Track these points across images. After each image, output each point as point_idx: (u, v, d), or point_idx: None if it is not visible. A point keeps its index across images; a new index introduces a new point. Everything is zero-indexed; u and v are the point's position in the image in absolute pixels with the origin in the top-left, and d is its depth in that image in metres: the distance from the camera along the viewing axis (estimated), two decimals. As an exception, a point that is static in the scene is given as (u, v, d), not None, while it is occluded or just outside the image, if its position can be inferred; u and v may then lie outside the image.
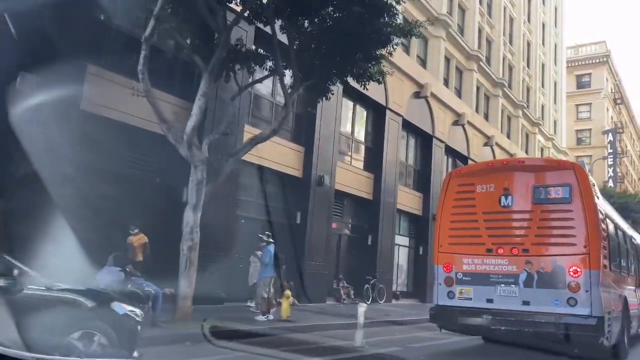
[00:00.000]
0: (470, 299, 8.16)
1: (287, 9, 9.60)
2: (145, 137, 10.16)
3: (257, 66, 11.10)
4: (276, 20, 10.28)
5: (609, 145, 54.25)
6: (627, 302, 10.00)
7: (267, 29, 10.43)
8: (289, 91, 10.35)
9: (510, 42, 33.82)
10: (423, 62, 23.58)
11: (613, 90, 62.82)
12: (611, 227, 9.50)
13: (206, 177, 9.54)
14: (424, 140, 23.17)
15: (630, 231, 13.57)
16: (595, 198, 8.21)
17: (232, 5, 9.86)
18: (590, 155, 53.85)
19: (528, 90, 36.76)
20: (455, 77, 26.47)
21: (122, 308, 4.95)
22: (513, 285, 7.87)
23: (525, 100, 35.25)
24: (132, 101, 9.36)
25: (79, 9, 9.25)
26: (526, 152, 34.87)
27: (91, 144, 9.38)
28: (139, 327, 5.12)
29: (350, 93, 18.21)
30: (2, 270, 3.94)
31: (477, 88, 28.60)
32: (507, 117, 32.98)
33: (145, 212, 10.17)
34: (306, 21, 10.19)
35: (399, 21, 10.61)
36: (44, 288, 4.37)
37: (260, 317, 10.49)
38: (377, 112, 19.93)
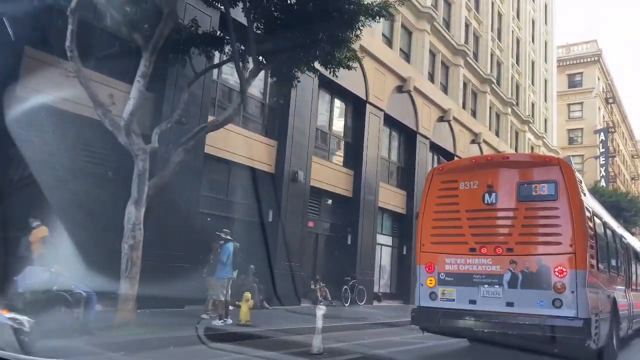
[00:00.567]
0: (453, 300, 7.84)
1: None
2: (89, 125, 9.32)
3: (216, 51, 10.29)
4: (234, 1, 9.50)
5: (600, 144, 53.93)
6: (616, 303, 9.60)
7: (233, 15, 9.65)
8: (247, 77, 9.53)
9: (499, 38, 33.18)
10: (407, 56, 22.84)
11: (605, 90, 62.48)
12: (599, 225, 9.10)
13: (158, 170, 8.77)
14: (407, 136, 22.42)
15: (619, 230, 13.02)
16: (582, 195, 7.78)
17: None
18: (582, 155, 53.54)
19: (517, 87, 36.13)
20: (441, 72, 25.75)
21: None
22: (497, 286, 7.54)
23: (514, 98, 34.61)
24: (73, 85, 8.52)
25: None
26: (516, 150, 34.24)
27: (28, 132, 8.54)
28: (25, 338, 4.28)
29: (327, 85, 17.47)
30: None
31: (464, 84, 27.91)
32: (496, 115, 32.31)
33: (90, 207, 9.32)
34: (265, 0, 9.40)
35: (366, 1, 9.83)
36: None
37: (217, 322, 9.66)
38: (357, 106, 19.15)
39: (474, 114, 29.16)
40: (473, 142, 27.41)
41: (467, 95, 28.41)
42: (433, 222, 8.31)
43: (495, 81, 31.12)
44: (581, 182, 8.44)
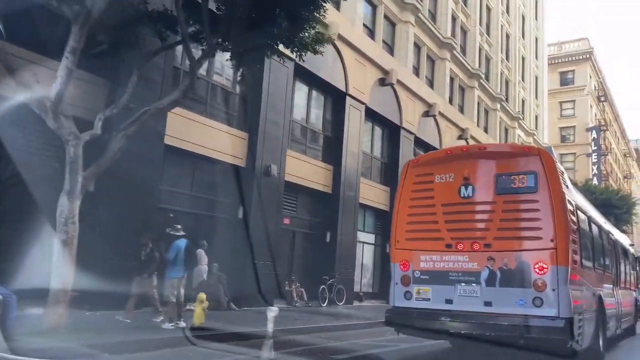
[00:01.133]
0: (429, 299, 7.48)
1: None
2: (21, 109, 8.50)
3: (169, 31, 9.50)
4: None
5: (592, 142, 53.54)
6: (602, 301, 9.14)
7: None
8: (197, 58, 8.76)
9: (488, 33, 32.52)
10: (390, 48, 22.11)
11: (597, 88, 62.13)
12: (584, 219, 8.64)
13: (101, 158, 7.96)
14: (391, 131, 21.67)
15: (607, 226, 12.44)
16: (564, 187, 7.33)
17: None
18: (574, 153, 53.15)
19: (507, 83, 35.51)
20: (427, 66, 25.04)
21: None
22: (474, 284, 7.19)
23: (504, 94, 33.98)
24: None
25: None
26: (505, 147, 33.53)
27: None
28: None
29: (304, 76, 16.74)
30: None
31: (451, 78, 27.22)
32: (485, 110, 31.63)
33: (25, 199, 8.49)
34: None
35: (328, -24, 9.09)
36: None
37: (167, 325, 8.87)
38: (336, 99, 18.40)
39: (461, 109, 28.47)
40: (460, 137, 26.72)
41: (454, 90, 27.71)
42: (408, 218, 7.89)
43: (483, 76, 30.45)
44: (563, 174, 8.01)
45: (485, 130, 31.09)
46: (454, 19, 27.62)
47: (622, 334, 12.88)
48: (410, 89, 22.29)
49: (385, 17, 21.60)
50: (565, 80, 59.19)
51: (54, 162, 9.78)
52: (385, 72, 20.43)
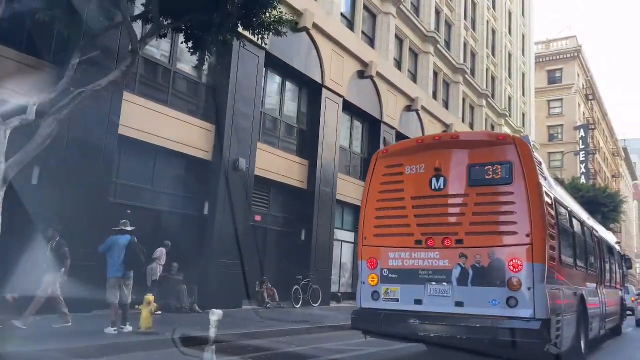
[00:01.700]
0: (397, 299, 7.04)
1: None
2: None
3: (117, 10, 8.70)
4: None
5: (580, 141, 53.32)
6: (584, 300, 8.67)
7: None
8: (141, 37, 7.98)
9: (473, 28, 31.95)
10: (370, 40, 21.41)
11: (585, 86, 61.97)
12: (563, 214, 8.13)
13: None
14: (371, 125, 20.97)
15: (590, 222, 11.81)
16: (541, 178, 6.85)
17: None
18: (562, 151, 52.91)
19: (493, 79, 34.98)
20: (409, 59, 24.37)
21: None
22: (445, 283, 6.76)
23: (489, 90, 33.44)
24: None
25: None
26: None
27: None
28: None
29: (276, 66, 16.01)
30: None
31: (435, 73, 26.58)
32: (470, 106, 31.05)
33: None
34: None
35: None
36: None
37: (109, 330, 8.06)
38: (312, 91, 17.67)
39: (445, 104, 27.85)
40: (444, 132, 26.08)
41: (438, 85, 27.08)
42: (376, 212, 7.41)
43: (468, 71, 29.87)
44: (541, 164, 7.45)
45: (471, 127, 30.51)
46: (437, 12, 26.99)
47: (607, 334, 12.31)
48: (392, 82, 21.60)
49: (365, 7, 20.90)
50: (552, 79, 58.99)
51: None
52: (365, 64, 19.72)
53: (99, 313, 9.86)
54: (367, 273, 7.32)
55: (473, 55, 31.78)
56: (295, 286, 15.49)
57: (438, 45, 26.06)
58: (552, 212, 7.03)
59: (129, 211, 11.78)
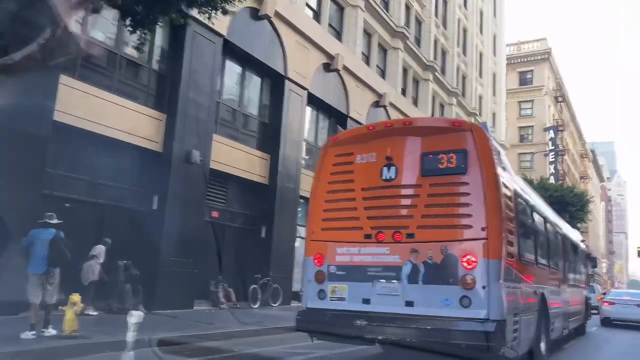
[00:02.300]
0: (344, 299, 6.56)
1: None
2: None
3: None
4: None
5: (550, 142, 53.92)
6: (545, 300, 8.25)
7: None
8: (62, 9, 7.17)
9: (444, 26, 31.71)
10: (337, 33, 20.84)
11: (555, 88, 62.80)
12: (524, 208, 7.67)
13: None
14: (337, 120, 20.37)
15: (554, 217, 11.39)
16: (499, 168, 6.33)
17: None
18: (533, 152, 53.54)
19: (464, 78, 34.87)
20: (378, 55, 23.91)
21: None
22: (395, 281, 6.29)
23: (460, 89, 33.28)
24: None
25: None
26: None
27: None
28: None
29: (235, 54, 15.30)
30: None
31: (405, 69, 26.18)
32: (440, 105, 30.78)
33: None
34: None
35: None
36: None
37: (27, 334, 7.23)
38: (274, 82, 16.98)
39: (415, 102, 27.49)
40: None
41: (407, 82, 26.70)
42: (325, 205, 6.95)
43: (439, 69, 29.59)
44: (499, 154, 6.94)
45: (441, 125, 30.23)
46: (407, 8, 26.60)
47: (571, 334, 11.97)
48: (359, 77, 21.07)
49: (332, -1, 20.33)
50: (524, 80, 59.62)
51: None
52: (331, 57, 19.13)
53: (26, 315, 9.03)
54: (313, 270, 6.82)
55: (444, 53, 31.55)
56: (254, 285, 14.78)
57: (408, 42, 25.67)
58: (512, 205, 6.58)
59: (67, 204, 10.95)
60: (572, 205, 32.14)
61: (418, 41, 27.85)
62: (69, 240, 7.83)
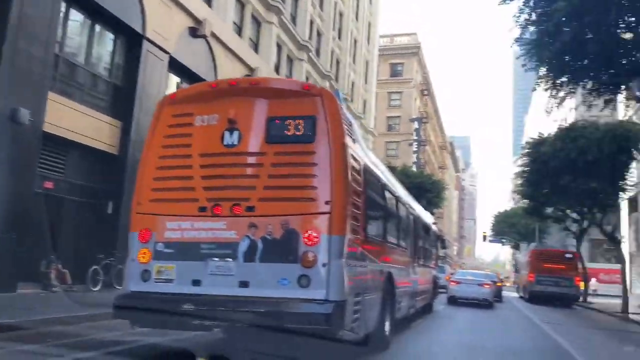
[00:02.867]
0: (172, 280, 5.84)
1: None
2: None
3: None
4: None
5: (415, 132, 57.24)
6: (392, 279, 8.04)
7: None
8: None
9: (321, 7, 31.62)
10: (207, -1, 19.45)
11: (422, 82, 66.79)
12: (374, 183, 7.35)
13: None
14: (203, 91, 19.08)
15: (408, 198, 11.46)
16: (348, 139, 6.00)
17: None
18: (399, 142, 56.58)
19: (338, 62, 35.24)
20: (251, 27, 22.93)
21: None
22: (230, 260, 5.68)
23: (334, 72, 33.56)
24: None
25: None
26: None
27: None
28: None
29: (81, 2, 13.32)
30: None
31: (279, 46, 25.54)
32: (313, 86, 30.72)
33: None
34: None
35: None
36: None
37: None
38: (130, 41, 15.24)
39: (288, 80, 27.04)
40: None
41: (281, 59, 26.12)
42: (156, 172, 6.17)
43: (313, 50, 29.43)
44: (351, 125, 6.50)
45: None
46: (284, -18, 25.89)
47: (418, 313, 12.35)
48: (229, 47, 19.93)
49: (202, -40, 18.85)
50: (394, 72, 62.55)
51: None
52: (198, 22, 17.75)
53: None
54: (137, 247, 6.01)
55: (319, 35, 31.48)
56: (95, 266, 13.18)
57: (283, 17, 25.00)
58: (360, 179, 6.23)
59: None
60: (430, 191, 34.25)
61: (294, 19, 27.34)
62: None
